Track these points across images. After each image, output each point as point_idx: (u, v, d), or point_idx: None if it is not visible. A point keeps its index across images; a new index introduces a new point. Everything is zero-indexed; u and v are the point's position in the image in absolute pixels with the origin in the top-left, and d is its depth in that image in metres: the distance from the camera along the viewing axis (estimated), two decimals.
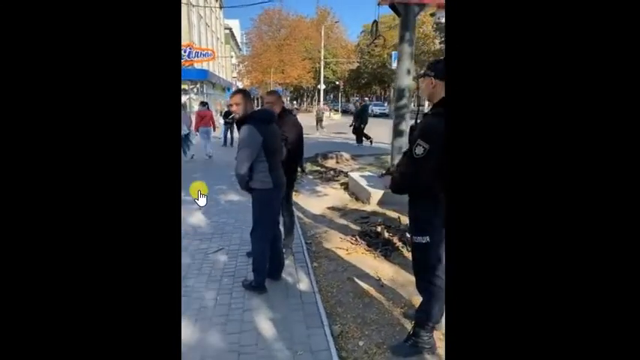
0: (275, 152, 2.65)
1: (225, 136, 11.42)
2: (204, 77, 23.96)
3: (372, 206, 4.94)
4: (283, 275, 2.96)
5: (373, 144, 11.38)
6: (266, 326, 2.35)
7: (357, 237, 3.82)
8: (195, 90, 23.83)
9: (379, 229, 3.93)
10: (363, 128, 11.71)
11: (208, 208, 4.81)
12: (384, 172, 2.63)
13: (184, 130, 8.48)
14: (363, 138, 11.68)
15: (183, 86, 23.20)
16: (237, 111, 2.67)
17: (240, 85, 35.76)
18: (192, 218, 4.47)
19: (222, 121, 11.81)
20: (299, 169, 3.52)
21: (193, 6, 23.79)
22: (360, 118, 11.68)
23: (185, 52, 22.46)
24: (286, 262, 3.06)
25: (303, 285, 2.87)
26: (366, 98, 38.41)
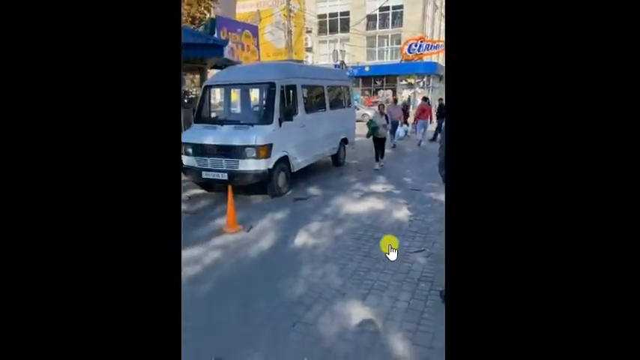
0: None
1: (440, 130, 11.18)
2: (432, 70, 23.73)
3: None
4: None
5: None
6: None
7: None
8: (421, 84, 24.00)
9: None
10: None
11: (415, 205, 4.74)
12: None
13: (382, 121, 7.68)
14: None
15: (409, 80, 23.80)
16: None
17: None
18: (399, 213, 4.50)
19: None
20: None
21: None
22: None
23: (416, 45, 22.81)
24: None
25: None
26: None
